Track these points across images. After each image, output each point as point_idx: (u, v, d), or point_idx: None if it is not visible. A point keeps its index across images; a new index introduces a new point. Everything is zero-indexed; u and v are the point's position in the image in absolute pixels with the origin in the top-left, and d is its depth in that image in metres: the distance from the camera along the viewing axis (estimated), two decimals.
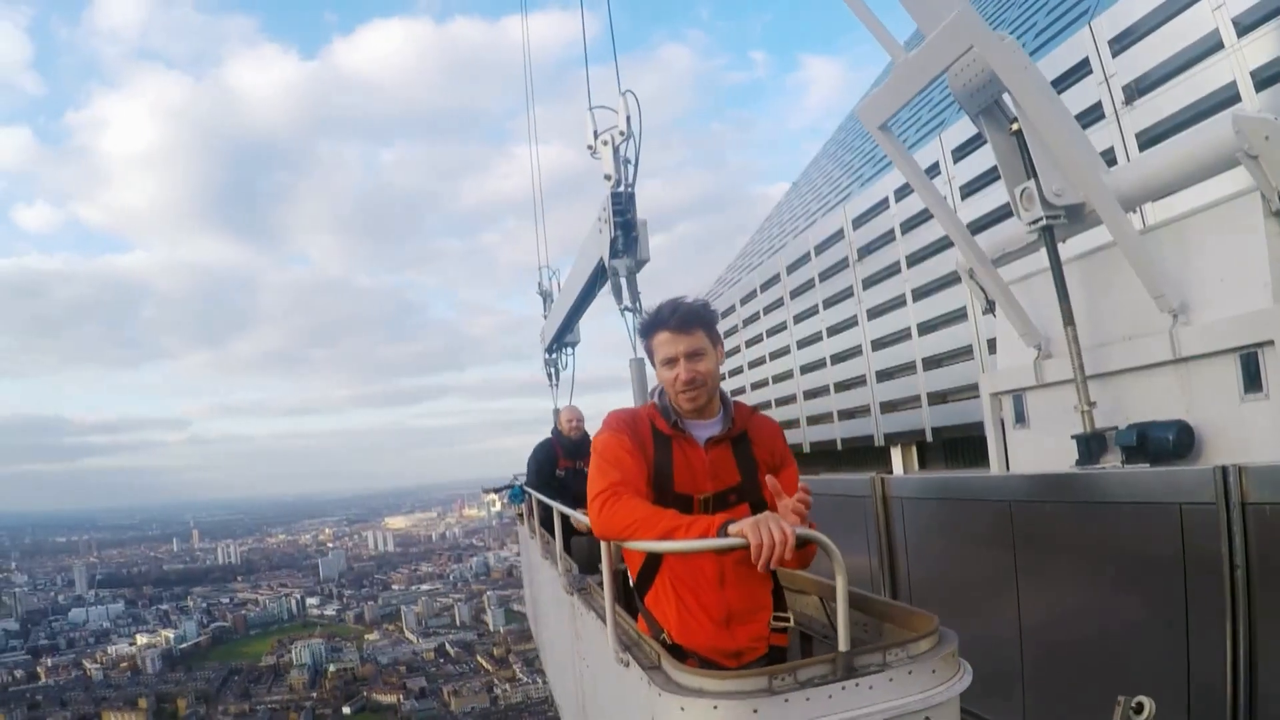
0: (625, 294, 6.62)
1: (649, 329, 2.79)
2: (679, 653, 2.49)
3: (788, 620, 2.76)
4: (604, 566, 2.69)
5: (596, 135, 6.53)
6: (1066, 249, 5.97)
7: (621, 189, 6.42)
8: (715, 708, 1.97)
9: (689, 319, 2.71)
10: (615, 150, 6.41)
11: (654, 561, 2.71)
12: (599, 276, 7.32)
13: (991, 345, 8.85)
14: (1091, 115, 8.51)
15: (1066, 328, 5.69)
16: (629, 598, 2.86)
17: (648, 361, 2.90)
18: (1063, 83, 8.76)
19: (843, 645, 2.03)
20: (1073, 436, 5.59)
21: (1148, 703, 2.10)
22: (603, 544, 2.65)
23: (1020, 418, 6.83)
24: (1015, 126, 5.79)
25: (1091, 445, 5.50)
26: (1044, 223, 5.64)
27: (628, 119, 6.35)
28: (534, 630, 10.25)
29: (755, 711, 1.94)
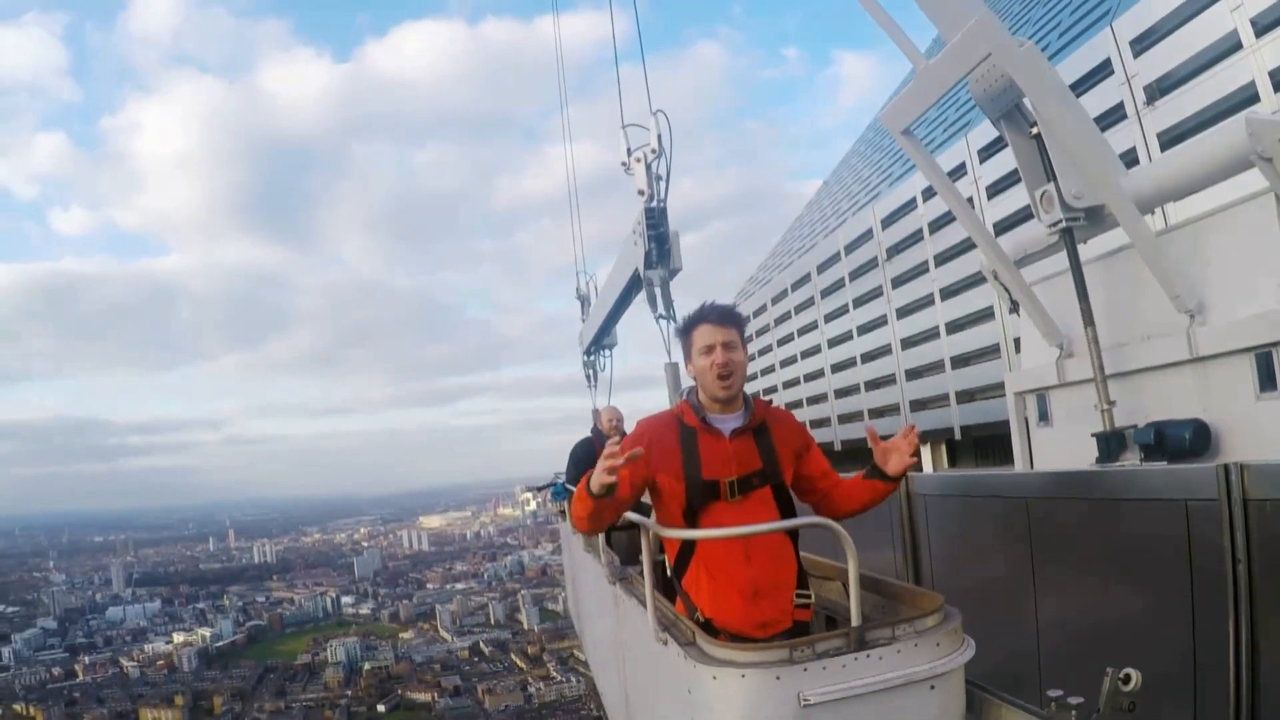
0: (660, 302, 6.91)
1: (691, 324, 3.13)
2: (711, 630, 2.73)
3: (809, 597, 3.02)
4: (644, 557, 2.96)
5: (630, 153, 6.81)
6: (1088, 249, 6.07)
7: (654, 204, 6.71)
8: (743, 676, 2.25)
9: (726, 316, 3.09)
10: (648, 167, 6.69)
11: (688, 546, 2.98)
12: (634, 285, 7.59)
13: (1018, 344, 8.98)
14: (1114, 116, 8.61)
15: (1086, 328, 5.78)
16: (666, 585, 3.14)
17: (682, 362, 3.23)
18: (1085, 83, 8.88)
19: (855, 620, 2.32)
20: (1093, 435, 5.67)
21: (1134, 674, 2.25)
22: (642, 536, 2.95)
23: (1044, 416, 6.94)
24: (1035, 130, 5.87)
25: (1111, 443, 5.58)
26: (1063, 225, 5.73)
27: (659, 137, 6.61)
28: (577, 625, 10.51)
29: (778, 679, 2.21)
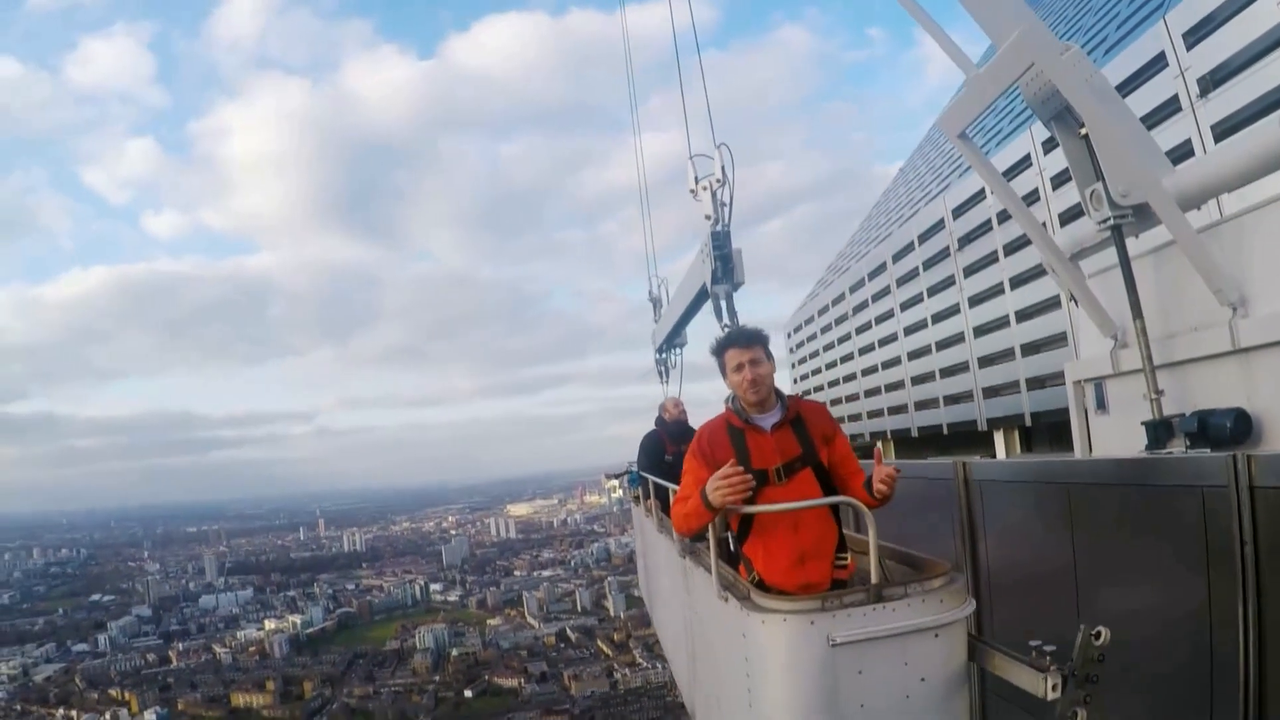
0: (724, 313, 7.54)
1: (721, 348, 3.77)
2: (764, 589, 3.33)
3: (847, 560, 3.60)
4: (710, 533, 3.58)
5: (697, 181, 7.44)
6: (1142, 243, 6.31)
7: (719, 228, 7.36)
8: (785, 621, 2.92)
9: (751, 337, 3.73)
10: (713, 195, 7.31)
11: (748, 519, 3.56)
12: (702, 295, 8.18)
13: None
14: (1168, 109, 8.70)
15: (1135, 320, 6.03)
16: (728, 556, 3.74)
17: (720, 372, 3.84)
18: (1139, 77, 8.96)
19: (874, 579, 2.98)
20: (1142, 423, 5.91)
21: (1104, 630, 2.78)
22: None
23: (1101, 404, 7.20)
24: (1084, 131, 6.13)
25: (1159, 431, 5.80)
26: (1112, 222, 5.98)
27: (722, 168, 7.20)
28: (648, 602, 11.13)
29: (812, 623, 2.86)
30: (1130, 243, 6.34)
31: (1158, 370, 6.01)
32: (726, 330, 3.90)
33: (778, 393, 3.73)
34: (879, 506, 3.38)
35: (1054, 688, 2.75)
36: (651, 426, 8.71)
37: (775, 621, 2.94)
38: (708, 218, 7.40)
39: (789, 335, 36.97)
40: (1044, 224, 12.38)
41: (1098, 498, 4.52)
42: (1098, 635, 2.76)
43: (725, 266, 7.33)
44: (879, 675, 2.91)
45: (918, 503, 6.76)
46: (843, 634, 2.86)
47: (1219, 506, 3.57)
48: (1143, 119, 9.71)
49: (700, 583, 4.10)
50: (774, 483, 3.52)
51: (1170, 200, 5.60)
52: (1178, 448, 5.62)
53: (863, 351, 25.76)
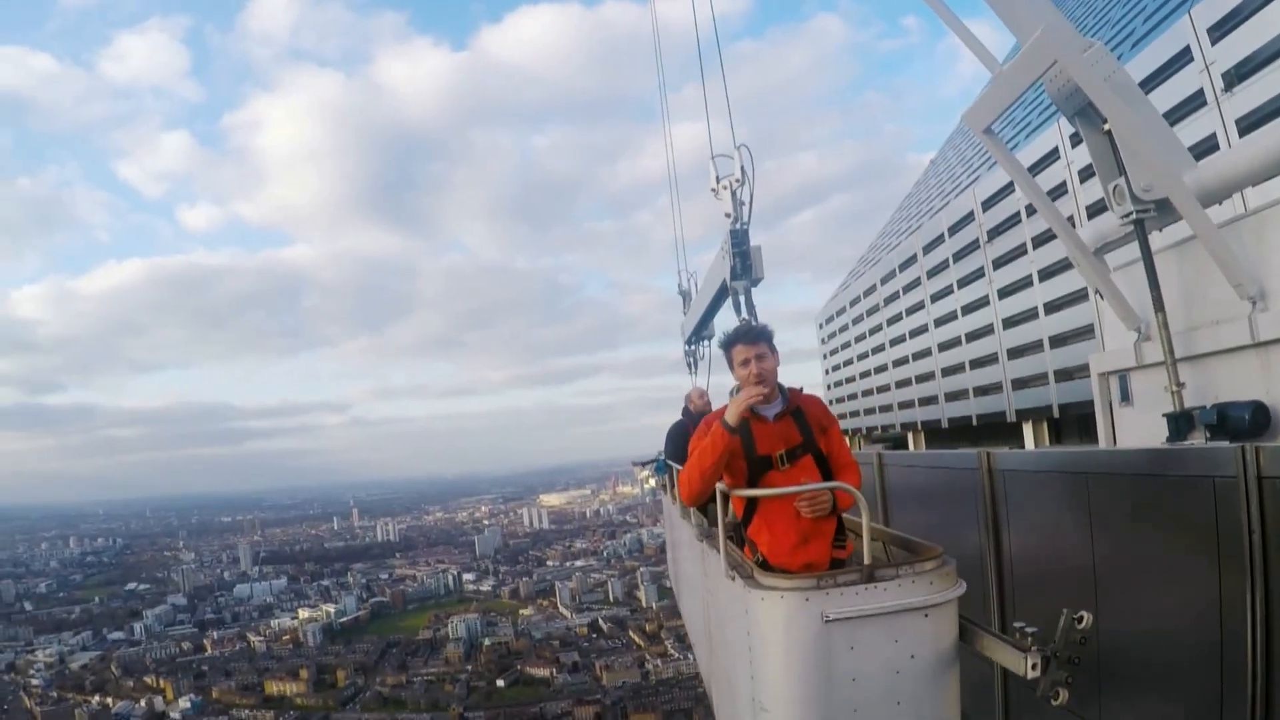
0: (744, 307, 7.71)
1: (728, 344, 3.96)
2: (768, 568, 3.50)
3: (845, 542, 3.76)
4: (719, 516, 3.78)
5: (718, 180, 7.59)
6: (1165, 237, 6.36)
7: (738, 226, 7.53)
8: (782, 597, 3.09)
9: (756, 334, 3.92)
10: (733, 194, 7.47)
11: (752, 504, 3.78)
12: (724, 291, 8.35)
13: None
14: (1193, 104, 8.65)
15: (1157, 314, 6.08)
16: (741, 540, 3.91)
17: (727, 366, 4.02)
18: (1164, 72, 8.91)
19: (866, 560, 3.15)
20: (1163, 415, 5.98)
21: (1087, 615, 2.90)
22: (718, 500, 3.75)
23: (1125, 396, 7.26)
24: (1107, 127, 6.14)
25: (1180, 423, 5.88)
26: (1134, 216, 6.02)
27: (742, 167, 7.35)
28: (675, 589, 11.33)
29: (807, 600, 3.03)
30: (1154, 237, 6.39)
31: (1180, 363, 6.05)
32: (735, 327, 4.08)
33: (779, 385, 3.91)
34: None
35: (1034, 667, 2.89)
36: (680, 416, 8.93)
37: (774, 598, 3.12)
38: (728, 216, 7.58)
39: (820, 326, 36.94)
40: (1071, 217, 12.36)
41: (1115, 488, 4.57)
42: (1080, 620, 2.87)
43: (744, 263, 7.52)
44: (870, 651, 3.06)
45: (943, 492, 6.91)
46: (836, 611, 3.02)
47: (1229, 497, 3.61)
48: (1167, 114, 9.70)
49: (713, 564, 4.28)
50: (777, 468, 3.70)
51: (1191, 195, 5.63)
52: (1198, 440, 5.65)
53: (894, 343, 25.72)
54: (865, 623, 3.05)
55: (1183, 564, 4.01)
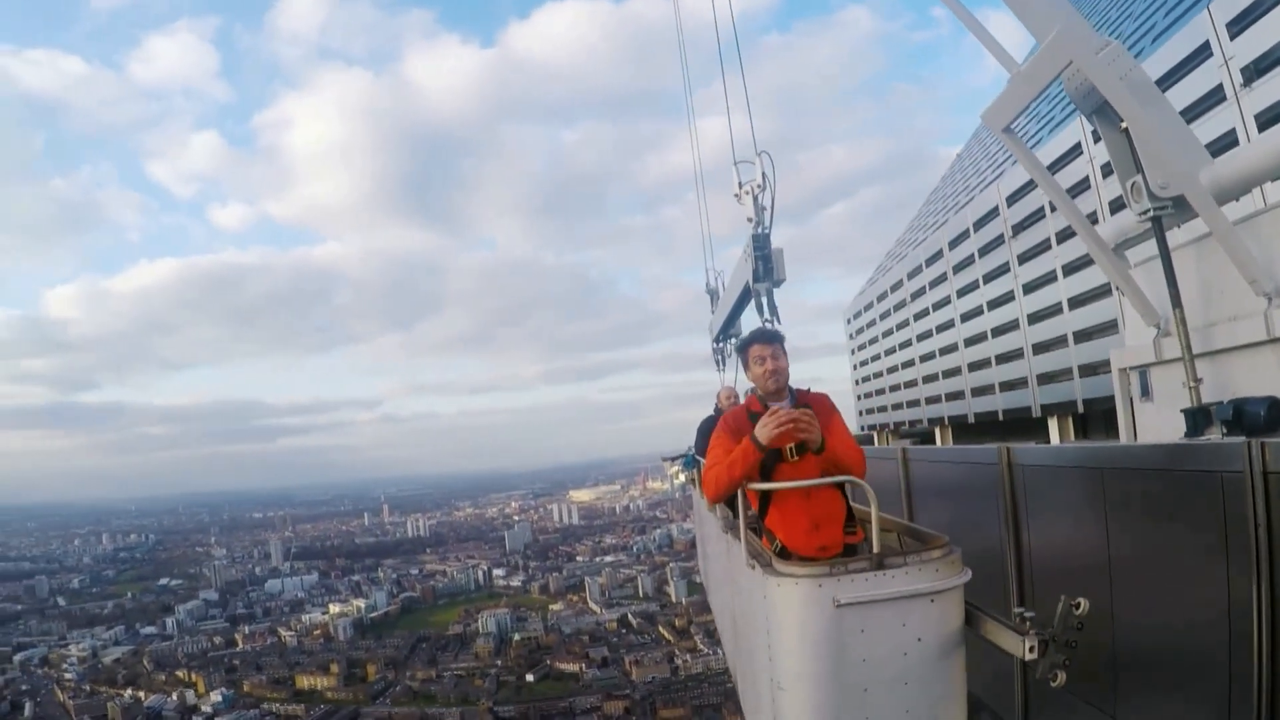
0: (765, 309, 7.95)
1: (745, 345, 4.37)
2: (786, 555, 3.75)
3: (855, 528, 4.01)
4: (740, 509, 4.03)
5: (741, 185, 7.80)
6: (1184, 233, 6.41)
7: (760, 231, 7.76)
8: (797, 584, 3.31)
9: (771, 336, 4.34)
10: (755, 199, 7.67)
11: (766, 496, 4.08)
12: (747, 293, 8.56)
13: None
14: (1212, 99, 8.65)
15: (1175, 309, 6.10)
16: (760, 532, 4.16)
17: (740, 368, 4.44)
18: (1184, 67, 8.90)
19: (875, 549, 3.35)
20: (1181, 410, 5.94)
21: (1084, 601, 3.07)
22: (739, 494, 4.00)
23: (1145, 391, 7.28)
24: (1124, 125, 6.14)
25: (1197, 419, 5.82)
26: (1152, 213, 6.05)
27: (763, 174, 7.55)
28: (705, 582, 11.52)
29: (820, 586, 3.25)
30: (1174, 233, 6.45)
31: (1198, 359, 6.07)
32: (750, 331, 4.59)
33: (790, 387, 4.26)
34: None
35: (1031, 649, 3.08)
36: (711, 412, 9.19)
37: (789, 584, 3.35)
38: (750, 220, 7.78)
39: (848, 321, 36.91)
40: (1094, 212, 12.36)
41: (1129, 484, 4.61)
42: (1077, 605, 3.04)
43: (766, 266, 7.75)
44: (879, 634, 3.28)
45: (965, 487, 6.95)
46: (847, 596, 3.23)
47: (1236, 492, 3.65)
48: (1187, 109, 9.69)
49: (736, 554, 4.50)
50: (788, 460, 3.95)
51: (1206, 193, 5.68)
52: (1215, 435, 5.57)
53: (920, 338, 25.72)
54: (875, 607, 3.26)
55: (1193, 559, 4.05)
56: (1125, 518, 4.58)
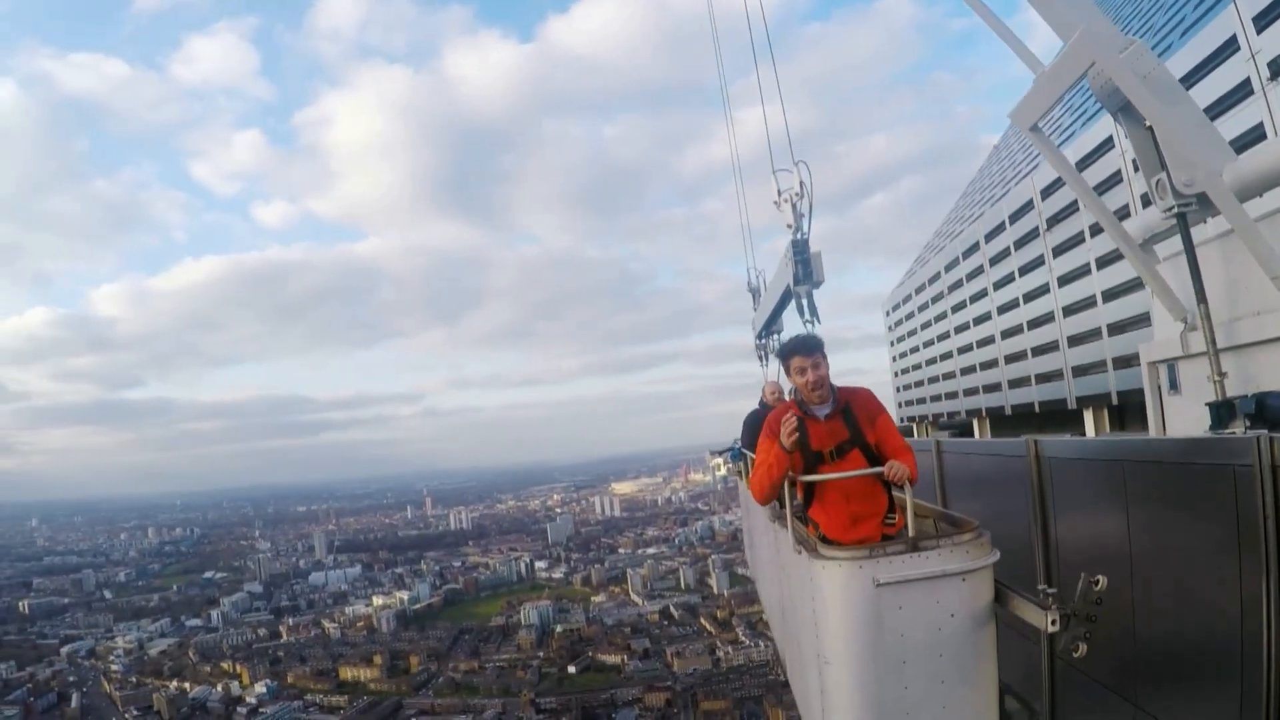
0: (806, 309, 8.31)
1: (786, 354, 4.54)
2: (828, 543, 4.07)
3: (895, 519, 4.29)
4: (787, 500, 4.41)
5: (780, 194, 8.15)
6: (1211, 228, 6.54)
7: (799, 236, 8.10)
8: (840, 565, 3.72)
9: (811, 347, 4.51)
10: (794, 207, 8.01)
11: (810, 490, 4.40)
12: (788, 295, 8.92)
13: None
14: (1240, 93, 8.70)
15: (1199, 304, 6.30)
16: (805, 521, 4.52)
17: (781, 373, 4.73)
18: (1211, 62, 8.94)
19: (911, 533, 3.75)
20: (1206, 404, 6.12)
21: (1103, 579, 3.39)
22: (785, 485, 4.35)
23: (1174, 385, 7.48)
24: (1149, 122, 6.33)
25: (1222, 412, 6.00)
26: (1176, 210, 6.24)
27: (801, 182, 7.89)
28: (751, 570, 11.81)
29: (861, 567, 3.65)
30: (1201, 228, 6.61)
31: (1223, 353, 6.24)
32: (790, 338, 4.68)
33: (831, 385, 4.49)
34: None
35: (1053, 622, 3.41)
36: (755, 405, 9.54)
37: (833, 567, 3.76)
38: (789, 226, 8.14)
39: (887, 314, 36.91)
40: (1126, 205, 12.42)
41: (1148, 476, 4.72)
42: (1096, 582, 3.39)
43: (805, 270, 8.11)
44: (915, 610, 3.67)
45: (996, 479, 7.10)
46: (885, 576, 3.64)
47: (1247, 485, 3.77)
48: (1215, 103, 9.74)
49: (783, 540, 4.92)
50: (828, 461, 4.31)
51: (1227, 190, 5.83)
52: (1239, 428, 5.74)
53: (958, 330, 25.76)
54: (911, 586, 3.64)
55: (1208, 550, 4.19)
56: (1145, 509, 4.73)
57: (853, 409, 4.44)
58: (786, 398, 9.19)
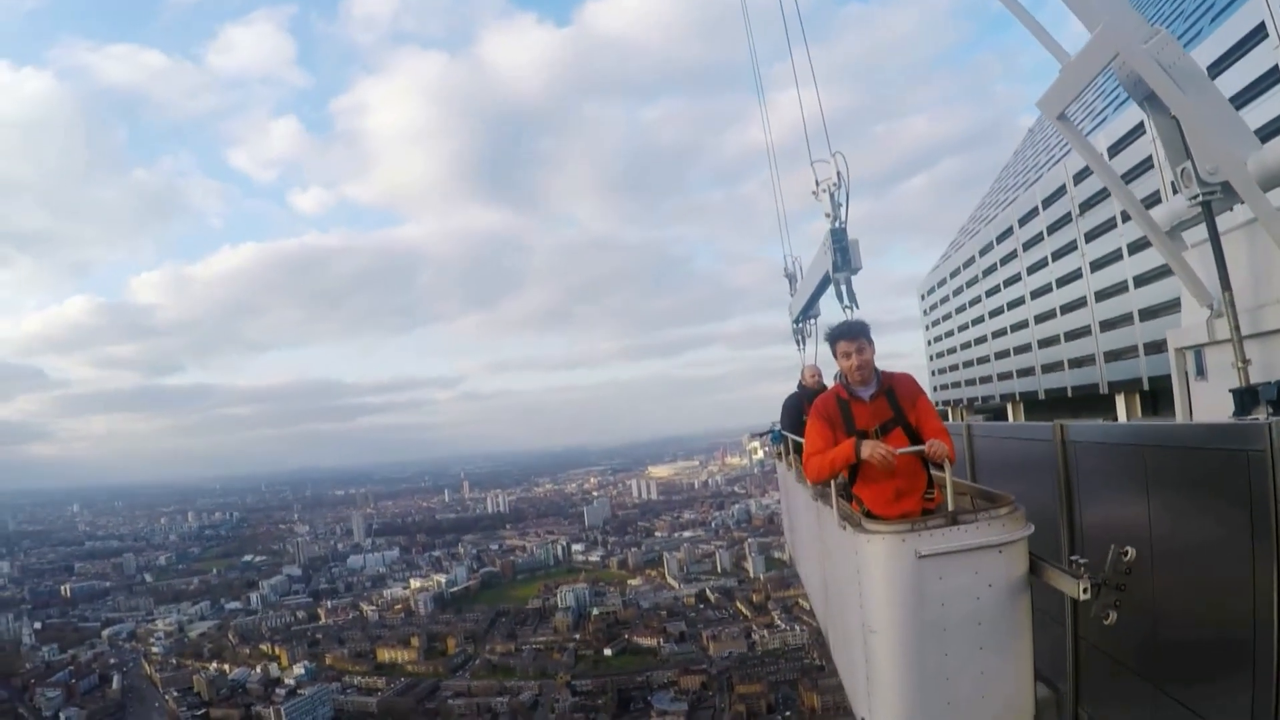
0: (844, 296, 8.64)
1: (832, 339, 4.89)
2: (872, 518, 4.41)
3: (933, 495, 4.64)
4: (832, 480, 4.78)
5: (818, 184, 8.49)
6: (1237, 215, 6.66)
7: (837, 225, 8.44)
8: (883, 539, 4.07)
9: (856, 331, 4.83)
10: (831, 196, 8.34)
11: (855, 467, 4.70)
12: (826, 281, 9.25)
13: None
14: (1269, 80, 8.74)
15: (1224, 291, 6.41)
16: (849, 496, 4.88)
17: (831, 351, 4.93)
18: (1239, 49, 8.97)
19: (950, 507, 4.13)
20: (1230, 390, 6.18)
21: (1131, 550, 3.71)
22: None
23: (1200, 371, 7.66)
24: (1174, 111, 6.36)
25: (1245, 398, 6.07)
26: (1201, 198, 6.36)
27: (838, 173, 8.23)
28: (790, 546, 12.04)
29: (903, 540, 4.01)
30: (1227, 215, 6.74)
31: (1247, 340, 6.33)
32: (837, 324, 4.99)
33: (875, 369, 4.85)
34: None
35: (1084, 590, 3.75)
36: (794, 388, 9.87)
37: (877, 540, 4.10)
38: (827, 216, 8.49)
39: (922, 298, 36.87)
40: (1157, 192, 12.46)
41: (1168, 462, 4.74)
42: (1125, 553, 3.73)
43: (844, 257, 8.48)
44: (955, 581, 4.02)
45: (1024, 463, 7.13)
46: (926, 548, 3.99)
47: (1260, 471, 3.77)
48: (1242, 91, 9.79)
49: (827, 517, 5.27)
50: (872, 439, 4.59)
51: (1250, 179, 5.94)
52: (1262, 415, 5.78)
53: (992, 314, 25.80)
54: (950, 558, 3.99)
55: (1224, 535, 4.22)
56: (1165, 494, 4.76)
57: (895, 391, 4.80)
58: (826, 381, 9.52)
